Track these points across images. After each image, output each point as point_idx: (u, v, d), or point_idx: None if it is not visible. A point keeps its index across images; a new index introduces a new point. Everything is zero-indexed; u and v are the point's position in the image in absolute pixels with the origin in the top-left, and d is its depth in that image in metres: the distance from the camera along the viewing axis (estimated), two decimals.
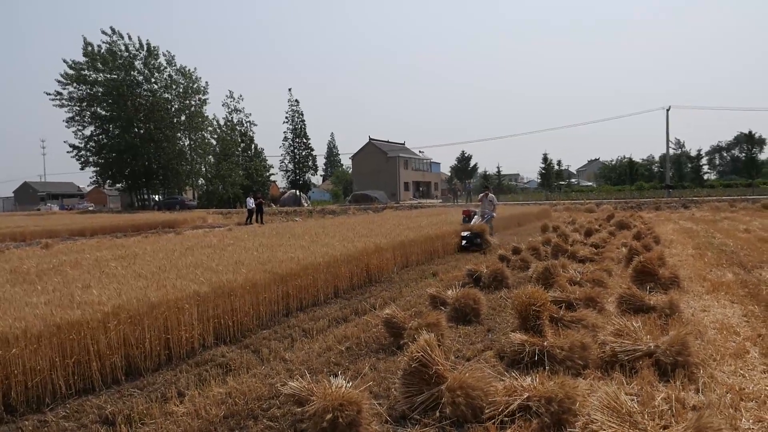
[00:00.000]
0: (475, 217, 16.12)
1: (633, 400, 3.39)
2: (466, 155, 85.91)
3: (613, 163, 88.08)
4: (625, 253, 10.38)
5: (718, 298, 7.25)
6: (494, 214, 16.09)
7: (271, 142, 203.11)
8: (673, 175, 66.82)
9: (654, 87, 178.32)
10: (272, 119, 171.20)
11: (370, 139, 74.21)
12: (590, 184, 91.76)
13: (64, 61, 55.59)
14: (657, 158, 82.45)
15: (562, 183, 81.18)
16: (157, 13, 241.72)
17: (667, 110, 49.88)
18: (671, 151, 65.67)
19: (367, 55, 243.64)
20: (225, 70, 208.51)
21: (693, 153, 74.72)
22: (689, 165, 73.60)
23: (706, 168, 78.43)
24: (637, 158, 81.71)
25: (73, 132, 57.73)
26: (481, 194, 16.98)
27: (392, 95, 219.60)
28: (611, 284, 8.06)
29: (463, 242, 13.82)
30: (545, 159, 77.98)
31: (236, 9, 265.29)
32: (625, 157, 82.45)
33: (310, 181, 69.40)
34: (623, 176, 77.33)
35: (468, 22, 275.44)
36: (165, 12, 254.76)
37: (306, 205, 58.76)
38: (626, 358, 4.50)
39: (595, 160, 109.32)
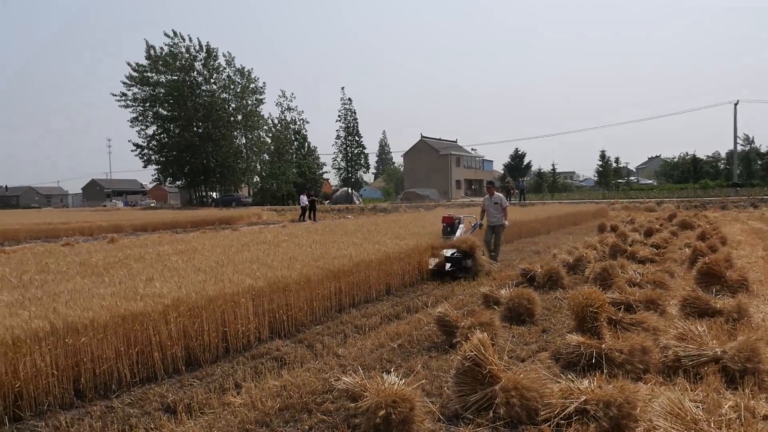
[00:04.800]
0: (460, 227, 11.49)
1: (698, 407, 3.23)
2: (519, 153, 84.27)
3: (675, 160, 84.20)
4: (689, 254, 9.94)
5: None
6: (505, 223, 11.41)
7: (316, 141, 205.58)
8: (741, 173, 63.29)
9: (721, 79, 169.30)
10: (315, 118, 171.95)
11: (422, 136, 73.81)
12: (650, 182, 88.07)
13: (128, 63, 58.37)
14: (723, 155, 78.16)
15: (621, 181, 78.34)
16: (157, 12, 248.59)
17: (735, 104, 47.27)
18: (739, 147, 62.24)
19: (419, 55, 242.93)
20: (272, 69, 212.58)
21: (763, 149, 70.51)
22: (759, 162, 69.36)
23: None
24: (701, 155, 78.01)
25: (136, 131, 60.64)
26: (485, 194, 11.86)
27: (443, 94, 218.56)
28: (673, 286, 7.73)
29: (448, 265, 9.71)
30: (602, 156, 75.41)
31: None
32: (688, 154, 78.85)
33: (362, 178, 69.84)
34: (686, 174, 73.93)
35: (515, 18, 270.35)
36: (163, 11, 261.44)
37: (358, 202, 59.20)
38: (690, 363, 4.31)
39: (656, 157, 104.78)
